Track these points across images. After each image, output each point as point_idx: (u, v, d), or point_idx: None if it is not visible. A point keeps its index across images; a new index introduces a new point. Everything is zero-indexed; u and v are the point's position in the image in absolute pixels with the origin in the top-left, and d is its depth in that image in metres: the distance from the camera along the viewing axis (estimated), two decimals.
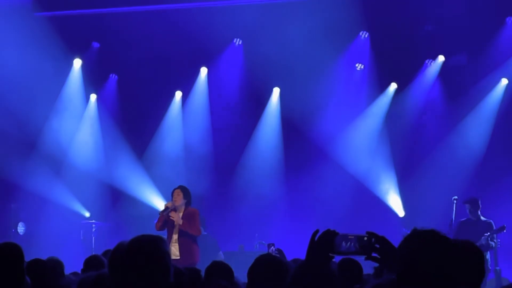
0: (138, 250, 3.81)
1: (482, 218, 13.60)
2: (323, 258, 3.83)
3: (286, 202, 17.36)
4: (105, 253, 8.12)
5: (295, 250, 11.22)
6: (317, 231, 3.88)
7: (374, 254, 3.82)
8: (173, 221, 12.74)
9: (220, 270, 6.58)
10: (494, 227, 13.41)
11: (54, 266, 7.77)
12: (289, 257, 8.83)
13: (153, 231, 13.08)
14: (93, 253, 8.51)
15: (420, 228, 3.65)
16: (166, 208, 12.89)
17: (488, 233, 13.03)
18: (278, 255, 10.06)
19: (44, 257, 8.03)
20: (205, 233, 14.42)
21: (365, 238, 3.81)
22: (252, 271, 4.93)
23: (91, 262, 7.78)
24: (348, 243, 3.80)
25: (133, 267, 3.77)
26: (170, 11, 16.51)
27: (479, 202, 13.70)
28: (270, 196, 17.34)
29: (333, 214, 15.99)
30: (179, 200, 12.82)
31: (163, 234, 12.98)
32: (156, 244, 3.85)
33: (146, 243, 3.85)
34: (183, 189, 12.93)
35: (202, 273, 6.78)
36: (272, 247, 11.75)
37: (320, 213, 16.28)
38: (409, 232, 3.70)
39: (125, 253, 3.82)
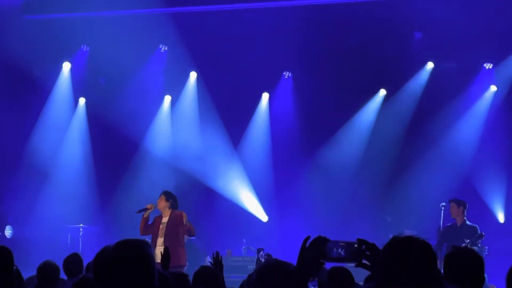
0: (122, 254, 3.82)
1: (467, 222, 13.59)
2: (314, 264, 3.84)
3: (274, 207, 17.36)
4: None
5: (283, 255, 11.24)
6: (308, 238, 3.89)
7: (364, 261, 3.83)
8: (158, 225, 12.75)
9: (208, 275, 6.58)
10: (479, 231, 13.38)
11: (49, 271, 7.78)
12: None
13: (140, 236, 13.10)
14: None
15: (399, 235, 3.67)
16: (146, 208, 12.92)
17: (468, 240, 13.02)
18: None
19: (31, 260, 8.03)
20: (193, 237, 14.42)
21: (356, 245, 3.82)
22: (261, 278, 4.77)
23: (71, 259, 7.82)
24: (339, 250, 3.81)
25: (118, 271, 3.77)
26: (159, 15, 16.49)
27: (466, 205, 13.66)
28: (258, 200, 17.35)
29: (323, 219, 16.02)
30: (162, 204, 12.85)
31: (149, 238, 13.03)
32: (140, 248, 3.86)
33: (130, 247, 3.86)
34: (166, 193, 12.97)
35: (190, 278, 6.78)
36: (261, 252, 11.75)
37: (309, 218, 16.29)
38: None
39: (110, 257, 3.83)
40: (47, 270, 7.90)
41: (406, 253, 3.52)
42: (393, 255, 3.54)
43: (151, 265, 3.84)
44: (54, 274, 7.90)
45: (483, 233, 13.14)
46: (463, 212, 13.53)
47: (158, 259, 12.33)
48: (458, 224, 13.50)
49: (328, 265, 7.16)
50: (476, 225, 13.47)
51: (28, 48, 16.54)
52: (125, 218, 16.41)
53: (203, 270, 6.83)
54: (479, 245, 13.05)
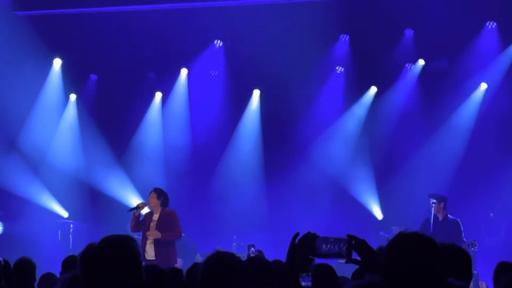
0: (107, 250, 3.84)
1: (449, 216, 13.59)
2: (303, 260, 3.84)
3: (265, 204, 17.36)
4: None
5: (274, 251, 11.25)
6: (297, 234, 3.90)
7: (354, 257, 3.84)
8: (149, 222, 12.72)
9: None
10: (461, 226, 13.34)
11: (24, 266, 7.74)
12: (268, 259, 8.83)
13: (130, 232, 13.09)
14: (70, 254, 8.44)
15: (405, 231, 3.67)
16: (137, 207, 12.90)
17: (461, 236, 13.02)
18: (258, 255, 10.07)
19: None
20: (183, 234, 14.40)
21: (346, 241, 3.82)
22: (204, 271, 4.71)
23: (69, 262, 7.75)
24: (329, 246, 3.82)
25: (103, 266, 3.80)
26: (151, 12, 16.47)
27: (446, 200, 13.65)
28: (249, 197, 17.34)
29: (313, 216, 16.03)
30: (153, 202, 12.82)
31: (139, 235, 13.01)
32: (125, 243, 3.88)
33: (115, 242, 3.88)
34: (157, 191, 12.94)
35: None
36: (252, 248, 11.75)
37: (300, 215, 16.29)
38: (388, 236, 3.74)
39: (95, 253, 3.84)
40: (22, 266, 7.84)
41: (413, 249, 3.52)
42: (399, 250, 3.53)
43: (137, 260, 3.87)
44: (30, 270, 7.84)
45: (475, 241, 13.07)
46: (444, 207, 13.53)
47: (149, 256, 12.36)
48: (440, 219, 13.49)
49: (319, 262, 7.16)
50: (458, 219, 13.45)
51: (18, 44, 16.49)
52: (115, 215, 16.42)
53: (196, 267, 6.80)
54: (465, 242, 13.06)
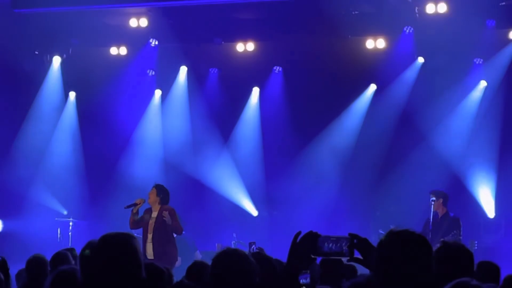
0: (107, 247, 3.85)
1: (449, 214, 13.56)
2: (305, 259, 3.84)
3: (265, 202, 17.37)
4: (70, 250, 8.14)
5: (272, 250, 11.25)
6: (299, 233, 3.90)
7: (356, 255, 3.84)
8: (148, 220, 12.67)
9: (201, 271, 6.56)
10: (461, 224, 13.32)
11: (37, 265, 7.76)
12: None
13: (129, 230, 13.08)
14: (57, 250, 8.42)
15: (396, 228, 3.67)
16: (135, 204, 12.86)
17: (455, 231, 13.00)
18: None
19: (22, 254, 8.00)
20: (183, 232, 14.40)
21: (347, 240, 3.83)
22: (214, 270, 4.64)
23: (57, 259, 7.77)
24: (330, 245, 3.82)
25: (103, 264, 3.79)
26: (151, 10, 16.46)
27: (447, 197, 13.61)
28: (249, 195, 17.35)
29: (313, 214, 16.04)
30: (152, 197, 12.78)
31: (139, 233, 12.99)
32: (125, 240, 3.89)
33: (115, 240, 3.90)
34: (158, 187, 12.90)
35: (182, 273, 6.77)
36: (253, 245, 11.76)
37: (299, 213, 16.30)
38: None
39: (95, 250, 3.85)
40: (35, 264, 7.87)
41: (405, 246, 3.52)
42: (391, 247, 3.53)
43: (137, 258, 3.87)
44: (43, 268, 7.87)
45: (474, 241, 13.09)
46: (443, 204, 13.47)
47: (149, 255, 12.29)
48: (440, 215, 13.46)
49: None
50: (458, 217, 13.42)
51: (18, 42, 16.47)
52: (115, 212, 16.41)
53: (196, 265, 6.80)
54: (461, 236, 13.04)
